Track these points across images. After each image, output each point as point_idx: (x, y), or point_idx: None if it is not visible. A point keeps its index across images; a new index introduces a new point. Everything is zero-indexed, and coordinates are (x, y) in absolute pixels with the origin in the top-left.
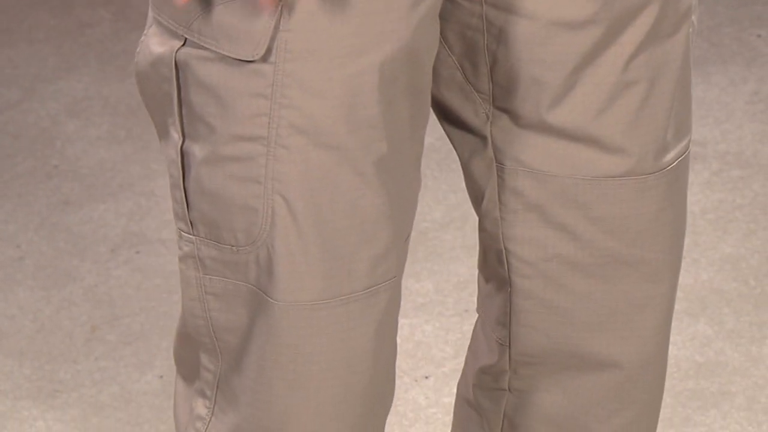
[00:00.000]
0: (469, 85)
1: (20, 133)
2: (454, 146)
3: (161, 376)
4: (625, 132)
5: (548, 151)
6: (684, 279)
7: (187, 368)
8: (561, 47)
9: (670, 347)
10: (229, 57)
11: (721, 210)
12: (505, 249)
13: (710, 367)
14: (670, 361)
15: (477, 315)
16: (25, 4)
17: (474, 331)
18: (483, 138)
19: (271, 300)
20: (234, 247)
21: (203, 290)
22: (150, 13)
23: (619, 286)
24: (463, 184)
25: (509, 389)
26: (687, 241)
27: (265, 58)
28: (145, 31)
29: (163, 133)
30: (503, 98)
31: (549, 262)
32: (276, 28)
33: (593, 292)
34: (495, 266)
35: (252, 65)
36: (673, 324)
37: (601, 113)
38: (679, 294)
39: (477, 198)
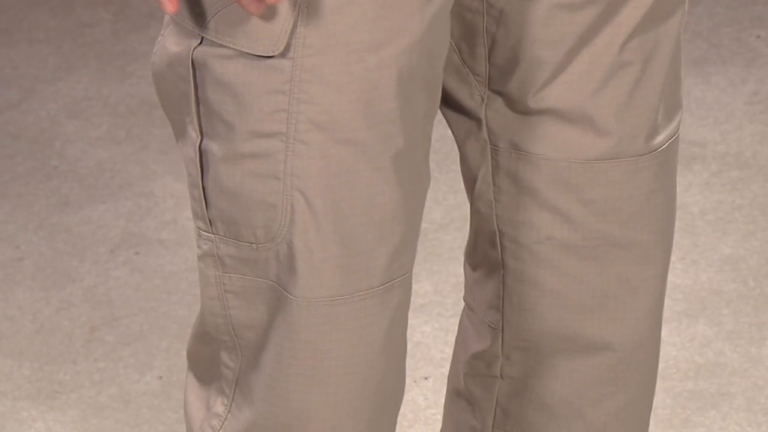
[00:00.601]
0: (465, 67)
1: (20, 133)
2: (450, 127)
3: (160, 377)
4: (618, 113)
5: (542, 135)
6: (683, 280)
7: (204, 367)
8: (561, 27)
9: (669, 348)
10: (248, 53)
11: (721, 211)
12: (498, 231)
13: (709, 368)
14: (669, 362)
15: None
16: (25, 5)
17: (460, 323)
18: (478, 120)
19: (291, 296)
20: (253, 245)
21: (222, 288)
22: (167, 14)
23: (611, 268)
24: (462, 185)
25: (501, 377)
26: (686, 242)
27: (283, 54)
28: (162, 32)
29: (181, 133)
30: (499, 80)
31: (542, 244)
32: (295, 23)
33: (586, 274)
34: (487, 249)
35: (270, 61)
36: (672, 325)
37: (595, 93)
38: (678, 295)
39: (470, 179)
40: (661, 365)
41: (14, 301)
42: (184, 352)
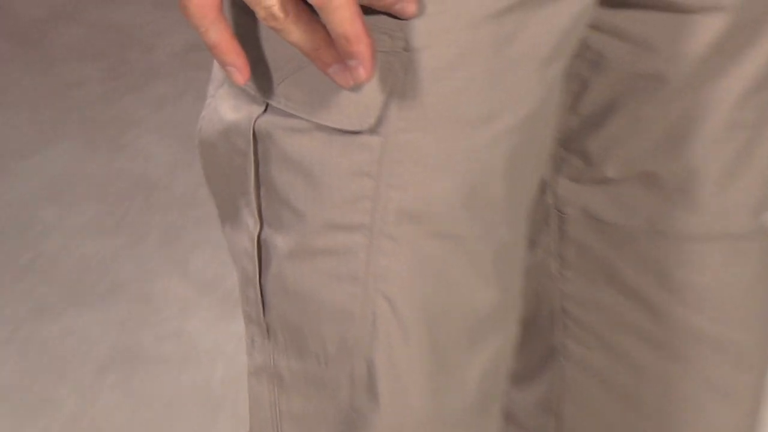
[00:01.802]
0: None
1: None
2: None
3: None
4: (720, 183)
5: (623, 203)
6: None
7: None
8: None
9: None
10: (326, 127)
11: None
12: (562, 310)
13: None
14: None
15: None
16: None
17: None
18: (541, 182)
19: (369, 425)
20: (321, 359)
21: (277, 411)
22: (219, 70)
23: (697, 370)
24: None
25: None
26: None
27: (372, 129)
28: (212, 92)
29: (231, 217)
30: (581, 135)
31: (614, 331)
32: (390, 91)
33: (666, 374)
34: (542, 333)
35: (355, 137)
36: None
37: (696, 157)
38: None
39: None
40: None
41: None
42: None
